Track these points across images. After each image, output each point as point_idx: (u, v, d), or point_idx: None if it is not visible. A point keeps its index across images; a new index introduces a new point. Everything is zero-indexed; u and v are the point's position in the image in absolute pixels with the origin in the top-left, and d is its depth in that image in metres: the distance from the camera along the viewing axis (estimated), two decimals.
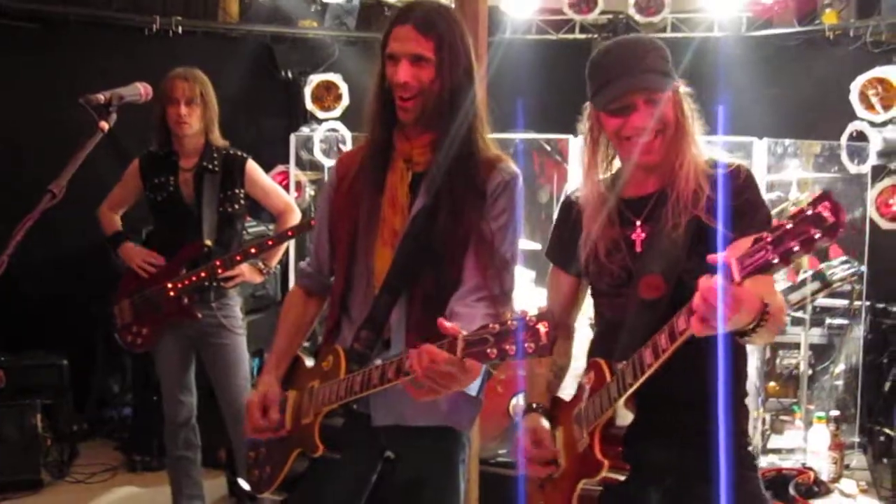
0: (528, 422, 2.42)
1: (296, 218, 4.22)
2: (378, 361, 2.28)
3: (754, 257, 1.74)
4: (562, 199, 2.56)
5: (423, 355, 2.01)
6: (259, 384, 2.56)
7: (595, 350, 2.42)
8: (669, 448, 2.25)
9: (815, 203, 1.66)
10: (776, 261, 1.70)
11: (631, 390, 2.10)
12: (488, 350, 1.93)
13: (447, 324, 2.00)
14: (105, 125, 2.32)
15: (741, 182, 2.21)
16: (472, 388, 2.44)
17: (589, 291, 2.49)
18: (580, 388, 2.33)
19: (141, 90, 2.51)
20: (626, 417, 2.21)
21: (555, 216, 2.59)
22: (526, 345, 1.89)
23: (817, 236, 1.64)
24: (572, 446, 2.31)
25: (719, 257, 1.79)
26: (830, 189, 1.64)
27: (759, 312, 1.87)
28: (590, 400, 2.25)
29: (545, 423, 2.40)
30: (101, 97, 2.35)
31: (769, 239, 1.72)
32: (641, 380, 2.06)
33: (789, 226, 1.69)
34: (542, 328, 1.89)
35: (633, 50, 2.23)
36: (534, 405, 2.44)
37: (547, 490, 2.39)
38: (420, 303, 2.37)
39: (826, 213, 1.63)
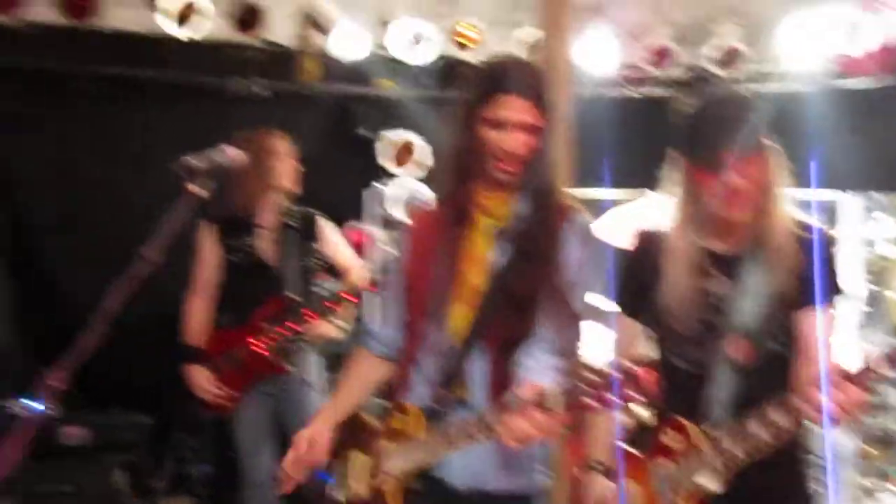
0: (594, 484, 2.35)
1: (360, 276, 4.23)
2: (458, 418, 2.25)
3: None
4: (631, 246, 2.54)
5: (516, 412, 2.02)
6: (310, 424, 2.54)
7: (668, 403, 2.34)
8: None
9: None
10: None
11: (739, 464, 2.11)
12: (589, 400, 1.89)
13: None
14: (196, 189, 2.35)
15: (831, 252, 2.29)
16: None
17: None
18: (659, 445, 2.30)
19: (231, 154, 2.54)
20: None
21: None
22: (631, 394, 1.85)
23: None
24: None
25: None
26: None
27: None
28: (681, 464, 2.22)
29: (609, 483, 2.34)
30: (194, 162, 2.38)
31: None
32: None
33: None
34: (648, 376, 1.85)
35: (730, 109, 2.28)
36: (597, 464, 2.38)
37: None
38: (499, 358, 2.35)
39: None
